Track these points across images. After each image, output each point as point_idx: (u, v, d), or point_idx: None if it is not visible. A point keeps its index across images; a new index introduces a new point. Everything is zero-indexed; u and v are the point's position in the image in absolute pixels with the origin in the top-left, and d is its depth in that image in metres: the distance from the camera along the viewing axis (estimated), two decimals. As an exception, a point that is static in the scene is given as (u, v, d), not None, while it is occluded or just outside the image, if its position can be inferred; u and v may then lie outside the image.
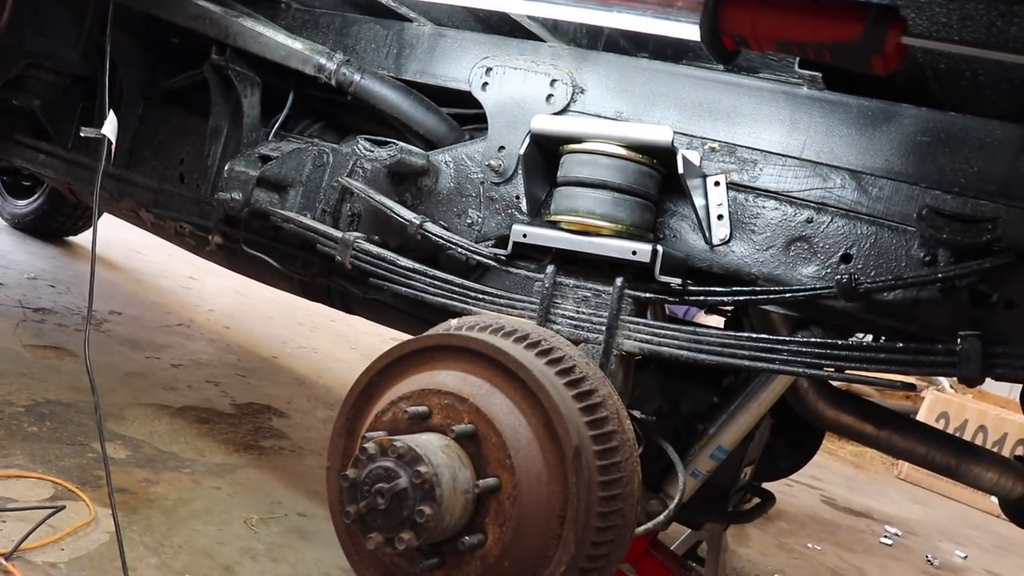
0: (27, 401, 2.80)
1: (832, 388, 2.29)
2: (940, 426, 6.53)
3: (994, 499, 2.37)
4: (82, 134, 2.46)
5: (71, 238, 5.47)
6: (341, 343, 5.27)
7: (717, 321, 2.85)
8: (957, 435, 4.13)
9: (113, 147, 2.40)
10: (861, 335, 2.06)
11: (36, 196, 5.18)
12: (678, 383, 2.21)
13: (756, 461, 2.51)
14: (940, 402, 6.95)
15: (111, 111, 2.38)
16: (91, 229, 2.15)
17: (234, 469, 2.81)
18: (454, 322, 1.76)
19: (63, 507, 2.18)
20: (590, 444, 1.53)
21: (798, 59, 1.78)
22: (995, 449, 5.80)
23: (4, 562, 1.89)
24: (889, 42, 1.39)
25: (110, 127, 2.36)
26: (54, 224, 5.23)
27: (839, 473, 6.25)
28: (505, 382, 1.55)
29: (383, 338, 5.06)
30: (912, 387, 1.82)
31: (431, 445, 1.49)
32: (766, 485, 2.79)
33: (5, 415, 2.64)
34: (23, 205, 5.24)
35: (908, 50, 1.46)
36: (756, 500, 2.67)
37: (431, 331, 1.75)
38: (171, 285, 5.32)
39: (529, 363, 1.55)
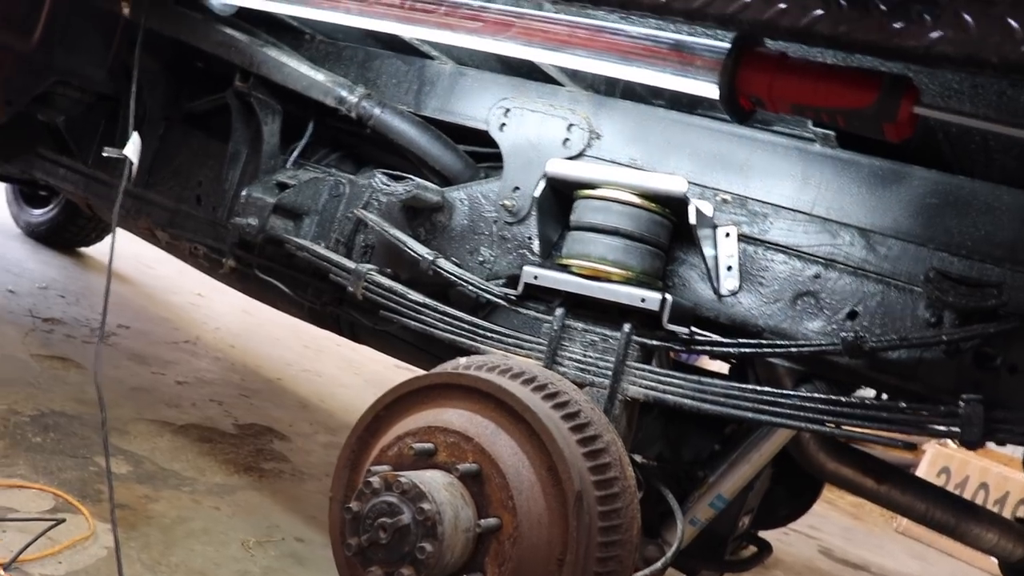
0: (33, 411, 2.82)
1: (833, 440, 2.30)
2: (941, 481, 6.46)
3: (994, 559, 2.36)
4: (104, 154, 2.50)
5: (83, 249, 5.51)
6: (345, 368, 5.28)
7: (722, 367, 2.85)
8: (958, 491, 4.11)
9: (135, 167, 2.44)
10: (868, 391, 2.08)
11: (51, 206, 5.24)
12: (680, 429, 2.22)
13: (755, 510, 2.50)
14: (942, 457, 6.90)
15: (135, 132, 2.42)
16: (104, 241, 2.18)
17: (234, 490, 2.81)
18: (463, 361, 1.78)
19: (63, 520, 2.19)
20: (592, 489, 1.54)
21: (812, 118, 1.82)
22: (997, 508, 5.76)
23: (2, 573, 1.90)
24: (902, 111, 1.42)
25: (133, 148, 2.40)
26: (68, 235, 5.27)
27: (838, 523, 6.20)
28: (511, 424, 1.56)
29: (387, 365, 5.06)
30: (913, 447, 1.83)
31: (435, 483, 1.50)
32: (764, 533, 2.79)
33: (10, 424, 2.66)
34: (38, 214, 5.30)
35: (920, 118, 1.49)
36: (753, 549, 2.66)
37: (439, 368, 1.77)
38: (180, 301, 5.35)
39: (535, 406, 1.57)
